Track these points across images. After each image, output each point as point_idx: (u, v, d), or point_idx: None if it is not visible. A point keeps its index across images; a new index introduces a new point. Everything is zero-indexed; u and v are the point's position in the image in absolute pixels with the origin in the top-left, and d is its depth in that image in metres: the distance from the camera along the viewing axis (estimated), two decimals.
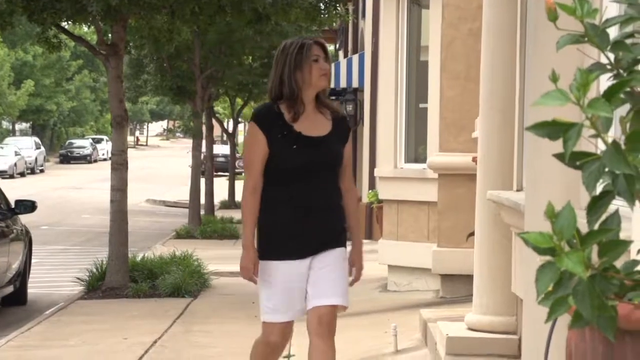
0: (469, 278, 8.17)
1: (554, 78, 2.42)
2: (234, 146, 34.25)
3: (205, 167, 28.23)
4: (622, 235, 2.44)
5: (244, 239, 5.56)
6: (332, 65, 25.45)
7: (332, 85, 23.73)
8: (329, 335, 5.53)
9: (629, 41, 2.48)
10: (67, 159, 68.78)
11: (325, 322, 5.49)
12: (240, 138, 71.26)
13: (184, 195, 30.41)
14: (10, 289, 12.93)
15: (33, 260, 14.39)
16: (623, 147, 2.33)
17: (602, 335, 2.29)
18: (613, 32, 2.51)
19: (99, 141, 76.06)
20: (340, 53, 34.62)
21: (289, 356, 9.04)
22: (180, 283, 13.19)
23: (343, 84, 23.49)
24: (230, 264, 16.90)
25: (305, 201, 5.48)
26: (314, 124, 5.55)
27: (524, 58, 6.84)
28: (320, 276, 5.48)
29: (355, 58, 24.00)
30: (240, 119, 36.97)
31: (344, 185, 5.66)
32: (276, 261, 5.48)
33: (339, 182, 5.64)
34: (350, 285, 5.63)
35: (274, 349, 5.79)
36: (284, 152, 5.47)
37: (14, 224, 13.25)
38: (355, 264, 5.67)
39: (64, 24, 14.56)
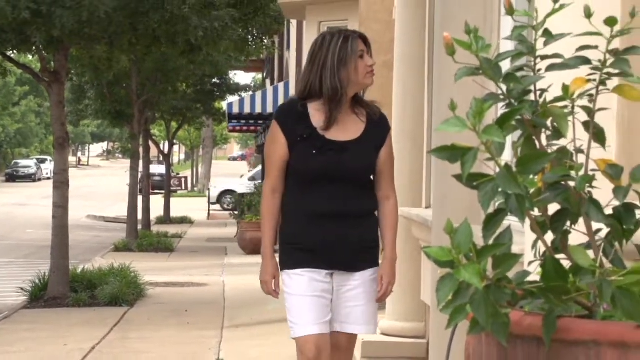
0: None
1: (453, 106, 2.44)
2: (169, 166, 34.02)
3: (142, 186, 28.04)
4: (516, 249, 2.46)
5: (263, 247, 4.64)
6: (259, 92, 25.49)
7: (259, 111, 23.78)
8: None
9: (519, 74, 2.52)
10: (13, 177, 67.97)
11: (343, 349, 4.69)
12: (175, 158, 70.78)
13: (122, 211, 30.15)
14: None
15: None
16: (515, 169, 2.36)
17: (497, 340, 2.31)
18: (505, 66, 2.55)
19: (43, 161, 75.20)
20: (267, 81, 34.63)
21: None
22: (118, 293, 13.10)
23: (270, 109, 23.49)
24: (165, 275, 16.83)
25: (324, 210, 4.56)
26: (343, 127, 4.61)
27: (432, 87, 6.91)
28: (344, 300, 4.62)
29: (281, 86, 24.04)
30: (175, 141, 36.75)
31: (380, 193, 4.69)
32: (291, 270, 4.59)
33: (372, 190, 4.68)
34: (378, 301, 4.68)
35: None
36: (303, 155, 4.57)
37: None
38: (384, 277, 4.64)
39: (9, 52, 14.42)
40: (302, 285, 4.55)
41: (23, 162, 72.13)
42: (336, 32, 4.64)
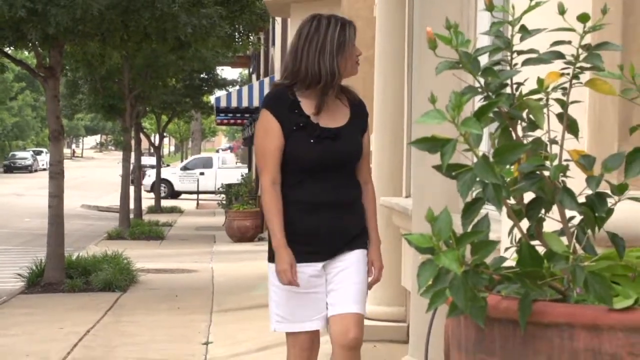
0: None
1: (433, 99, 2.43)
2: (159, 157, 33.94)
3: (134, 176, 27.97)
4: (493, 236, 2.46)
5: (274, 239, 4.26)
6: (246, 87, 25.44)
7: (246, 105, 23.74)
8: (355, 346, 4.29)
9: (497, 68, 2.51)
10: (11, 169, 67.68)
11: (350, 333, 4.27)
12: (166, 150, 70.58)
13: (115, 201, 30.05)
14: None
15: None
16: (492, 159, 2.35)
17: (475, 323, 2.31)
18: (484, 60, 2.54)
19: (39, 153, 74.91)
20: (254, 76, 34.56)
21: (207, 343, 8.99)
22: (111, 279, 13.08)
23: (256, 103, 23.45)
24: (156, 262, 16.80)
25: (320, 199, 4.29)
26: (332, 113, 4.34)
27: (411, 82, 6.90)
28: (341, 280, 4.31)
29: (266, 80, 23.98)
30: (165, 134, 36.64)
31: (361, 178, 4.44)
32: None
33: (356, 177, 4.44)
34: (369, 287, 4.43)
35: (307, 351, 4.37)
36: (299, 146, 4.27)
37: None
38: (374, 263, 4.42)
39: (6, 49, 14.35)
40: (300, 281, 4.24)
41: (20, 154, 71.85)
42: (330, 16, 4.35)
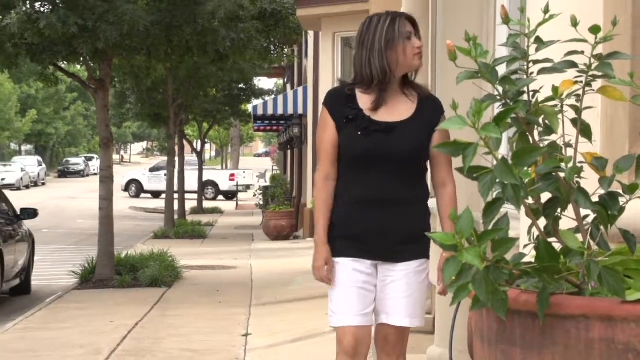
0: None
1: (454, 106, 2.43)
2: (201, 162, 34.06)
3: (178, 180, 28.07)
4: (512, 234, 2.46)
5: (316, 234, 4.00)
6: (281, 96, 25.48)
7: (281, 112, 23.79)
8: (397, 356, 4.05)
9: (514, 77, 2.51)
10: (64, 174, 68.12)
11: (392, 342, 4.03)
12: (207, 155, 70.82)
13: (160, 203, 30.22)
14: (17, 281, 12.80)
15: (36, 258, 14.23)
16: (510, 162, 2.35)
17: (496, 315, 2.30)
18: (501, 70, 2.53)
19: (90, 159, 75.33)
20: (288, 86, 34.62)
21: (246, 334, 9.01)
22: (158, 275, 13.11)
23: (290, 111, 23.51)
24: (199, 259, 16.85)
25: (369, 196, 3.92)
26: (392, 108, 3.95)
27: (435, 90, 6.89)
28: (388, 291, 3.98)
29: (300, 90, 24.02)
30: (206, 140, 36.77)
31: (436, 179, 3.98)
32: (335, 258, 3.98)
33: (423, 177, 4.00)
34: (441, 294, 3.90)
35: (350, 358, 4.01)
36: (348, 138, 3.93)
37: (20, 228, 13.11)
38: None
39: (60, 63, 14.46)
40: (344, 275, 3.95)
41: (73, 160, 72.30)
42: (383, 13, 3.99)
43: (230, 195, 41.66)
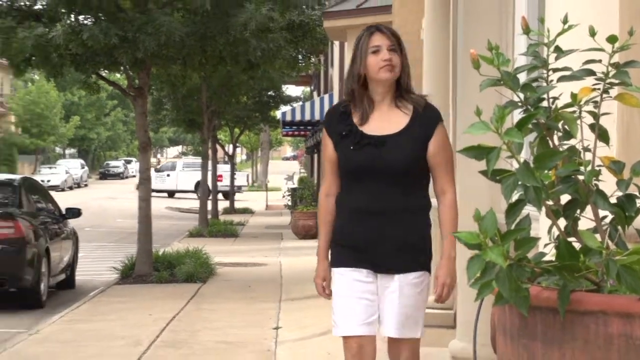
0: None
1: (478, 112, 2.41)
2: (233, 165, 34.13)
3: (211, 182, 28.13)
4: (533, 233, 2.44)
5: (318, 248, 3.96)
6: (308, 102, 25.47)
7: (308, 118, 23.80)
8: None
9: (534, 84, 2.49)
10: (105, 176, 68.48)
11: (391, 352, 3.87)
12: (238, 159, 71.12)
13: (195, 203, 30.30)
14: (62, 276, 12.90)
15: (79, 254, 14.31)
16: (532, 165, 2.33)
17: (518, 311, 2.29)
18: (522, 77, 2.52)
19: (129, 162, 75.69)
20: (315, 93, 34.62)
21: (277, 328, 9.01)
22: (193, 271, 13.14)
23: (317, 117, 23.49)
24: (231, 256, 16.88)
25: (364, 206, 3.76)
26: (384, 122, 3.79)
27: (455, 97, 6.86)
28: (387, 302, 3.77)
29: (326, 97, 24.02)
30: (237, 144, 36.84)
31: (436, 188, 3.82)
32: (335, 269, 3.85)
33: (422, 186, 3.82)
34: (436, 301, 3.82)
35: None
36: (344, 153, 3.80)
37: (65, 226, 13.20)
38: (438, 278, 3.75)
39: (101, 72, 14.54)
40: (344, 285, 3.79)
41: (113, 162, 72.67)
42: (365, 28, 3.87)
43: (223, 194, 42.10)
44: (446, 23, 7.42)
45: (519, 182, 2.32)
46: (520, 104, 2.47)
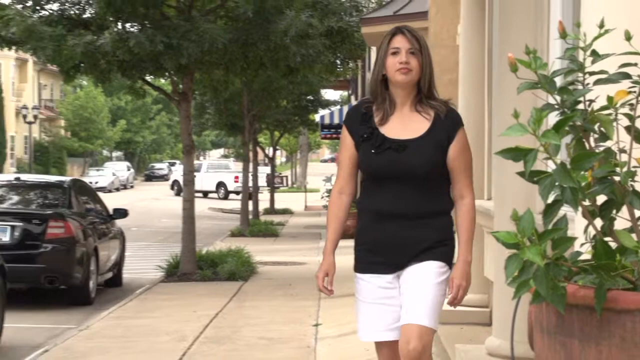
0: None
1: (516, 115, 2.40)
2: (273, 167, 34.23)
3: (252, 183, 28.24)
4: (569, 233, 2.42)
5: (325, 244, 3.84)
6: (346, 106, 25.45)
7: None
8: (415, 357, 3.57)
9: (571, 87, 2.47)
10: (150, 178, 68.93)
11: (410, 344, 3.57)
12: (278, 161, 71.35)
13: (236, 204, 30.41)
14: (110, 274, 13.01)
15: (126, 253, 14.42)
16: (569, 166, 2.31)
17: (555, 309, 2.27)
18: (559, 81, 2.50)
19: (173, 164, 76.05)
20: (352, 97, 34.61)
21: (317, 324, 9.02)
22: (235, 270, 13.19)
23: None
24: (272, 255, 16.92)
25: (386, 210, 3.64)
26: (405, 125, 3.66)
27: (490, 100, 6.83)
28: (405, 291, 3.62)
29: None
30: (277, 147, 36.93)
31: (454, 192, 3.69)
32: (358, 274, 3.73)
33: (444, 190, 3.68)
34: (450, 304, 3.67)
35: None
36: (364, 156, 3.67)
37: (112, 226, 13.31)
38: (454, 280, 3.62)
39: (147, 77, 14.65)
40: (367, 291, 3.67)
41: (157, 165, 73.11)
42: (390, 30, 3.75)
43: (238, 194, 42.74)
44: (481, 29, 7.38)
45: (556, 183, 2.31)
46: (557, 106, 2.46)
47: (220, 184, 46.49)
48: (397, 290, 3.62)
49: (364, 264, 3.68)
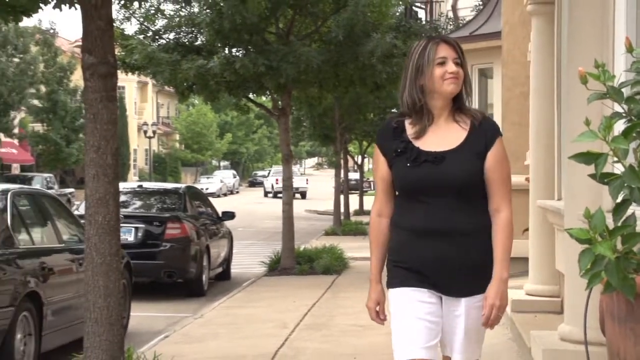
0: (524, 260, 8.00)
1: (587, 123, 2.37)
2: (362, 173, 34.25)
3: (343, 188, 28.31)
4: (637, 230, 2.37)
5: (371, 272, 3.25)
6: None
7: None
8: None
9: (637, 97, 2.42)
10: (253, 184, 69.69)
11: None
12: (366, 168, 71.35)
13: (329, 206, 30.53)
14: (220, 269, 13.22)
15: (234, 251, 14.62)
16: (637, 169, 2.27)
17: (626, 298, 2.23)
18: (626, 91, 2.45)
19: (267, 174, 76.89)
20: None
21: None
22: (329, 265, 13.24)
23: None
24: (362, 252, 16.88)
25: (423, 227, 3.07)
26: (441, 137, 3.13)
27: (560, 110, 6.71)
28: (453, 325, 3.11)
29: None
30: (365, 155, 36.93)
31: (491, 206, 3.08)
32: (394, 289, 3.15)
33: (484, 205, 3.09)
34: (484, 326, 3.09)
35: None
36: (399, 170, 3.13)
37: (222, 227, 13.51)
38: (487, 299, 3.04)
39: (250, 96, 14.84)
40: (405, 305, 3.10)
41: (259, 172, 73.95)
42: (423, 39, 3.22)
43: (277, 195, 43.38)
44: (550, 45, 7.26)
45: (625, 184, 2.27)
46: (624, 114, 2.41)
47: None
48: (437, 307, 3.10)
49: (400, 279, 3.13)
